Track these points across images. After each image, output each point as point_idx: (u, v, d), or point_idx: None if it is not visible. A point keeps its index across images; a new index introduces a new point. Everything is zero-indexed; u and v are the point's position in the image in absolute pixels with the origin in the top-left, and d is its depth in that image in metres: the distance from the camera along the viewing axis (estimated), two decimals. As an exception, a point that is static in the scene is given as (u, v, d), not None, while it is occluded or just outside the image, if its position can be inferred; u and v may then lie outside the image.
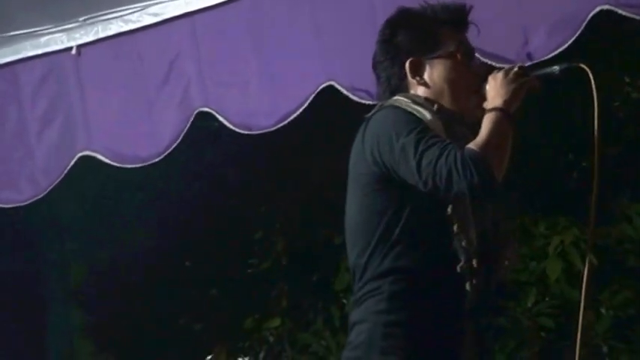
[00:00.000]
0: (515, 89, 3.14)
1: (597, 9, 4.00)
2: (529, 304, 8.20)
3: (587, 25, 3.99)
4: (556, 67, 3.33)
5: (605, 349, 7.81)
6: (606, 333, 7.81)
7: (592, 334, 7.65)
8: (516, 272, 8.05)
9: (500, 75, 3.18)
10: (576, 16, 4.01)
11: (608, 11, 3.99)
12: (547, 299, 8.20)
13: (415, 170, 2.96)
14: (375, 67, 3.31)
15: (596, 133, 3.32)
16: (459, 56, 3.26)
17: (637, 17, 4.09)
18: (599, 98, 3.21)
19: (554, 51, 3.41)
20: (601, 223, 7.87)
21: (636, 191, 8.06)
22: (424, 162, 2.95)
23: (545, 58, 3.71)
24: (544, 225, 8.09)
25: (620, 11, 4.00)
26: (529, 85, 3.21)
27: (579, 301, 3.51)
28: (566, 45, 3.51)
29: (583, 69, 3.25)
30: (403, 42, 3.25)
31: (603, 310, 7.87)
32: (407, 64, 3.22)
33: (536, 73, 3.29)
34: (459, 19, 3.30)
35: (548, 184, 7.72)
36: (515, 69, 3.21)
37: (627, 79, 8.22)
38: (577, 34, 3.97)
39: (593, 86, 3.21)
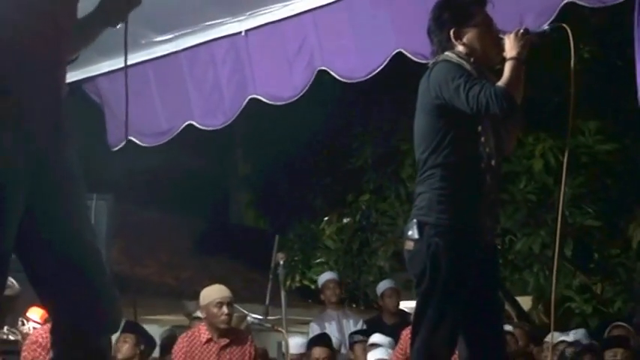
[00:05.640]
0: (523, 44, 3.06)
1: (565, 1, 3.92)
2: (521, 186, 8.15)
3: (560, 10, 3.91)
4: (546, 27, 3.26)
5: (567, 213, 7.75)
6: (567, 202, 7.73)
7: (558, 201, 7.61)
8: (513, 166, 8.03)
9: (512, 35, 3.09)
10: (552, 5, 3.92)
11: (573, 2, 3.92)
12: (532, 183, 8.15)
13: (465, 101, 2.92)
14: (429, 35, 3.24)
15: (572, 73, 3.27)
16: (483, 25, 3.16)
17: (590, 6, 4.01)
18: (575, 46, 3.15)
19: (537, 30, 3.33)
20: (565, 135, 7.82)
21: (586, 114, 7.90)
22: (470, 95, 2.92)
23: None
24: (532, 137, 8.01)
25: (579, 2, 3.92)
26: (530, 40, 3.11)
27: (556, 187, 3.47)
28: (545, 25, 3.42)
29: (564, 27, 3.19)
30: (447, 18, 3.14)
31: (566, 189, 7.80)
32: (451, 33, 3.15)
33: (534, 32, 3.22)
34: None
35: (535, 109, 7.58)
36: (522, 30, 3.11)
37: (581, 45, 8.04)
38: (552, 18, 3.88)
39: (571, 37, 3.12)
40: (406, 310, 6.82)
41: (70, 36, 2.29)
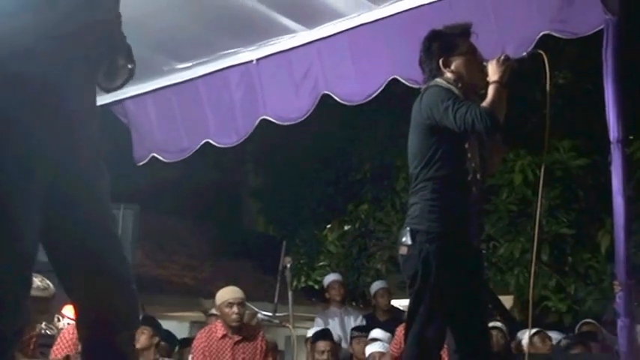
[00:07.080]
0: (504, 69, 3.04)
1: (542, 33, 3.91)
2: (503, 198, 8.14)
3: (537, 41, 3.90)
4: (524, 54, 3.23)
5: (543, 221, 7.75)
6: (544, 212, 7.72)
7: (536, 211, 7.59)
8: (496, 180, 8.03)
9: (494, 61, 3.07)
10: (530, 36, 3.90)
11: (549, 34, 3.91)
12: (513, 195, 8.14)
13: (453, 120, 2.92)
14: (420, 64, 3.24)
15: (548, 95, 3.26)
16: (468, 53, 3.16)
17: (565, 37, 3.99)
18: (551, 72, 3.12)
19: (517, 56, 3.30)
20: (542, 152, 7.78)
21: (561, 133, 7.90)
22: (457, 116, 2.92)
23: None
24: (512, 154, 8.01)
25: (555, 34, 3.91)
26: (511, 65, 3.09)
27: (534, 199, 3.45)
28: (524, 54, 3.40)
29: (540, 53, 3.18)
30: (436, 49, 3.15)
31: (543, 200, 7.78)
32: (440, 62, 3.16)
33: (514, 57, 3.20)
34: (466, 31, 3.21)
35: (515, 129, 7.57)
36: (503, 57, 3.10)
37: (556, 72, 8.03)
38: (531, 47, 3.86)
39: (546, 62, 3.09)
40: (400, 308, 6.81)
41: (99, 64, 2.29)
